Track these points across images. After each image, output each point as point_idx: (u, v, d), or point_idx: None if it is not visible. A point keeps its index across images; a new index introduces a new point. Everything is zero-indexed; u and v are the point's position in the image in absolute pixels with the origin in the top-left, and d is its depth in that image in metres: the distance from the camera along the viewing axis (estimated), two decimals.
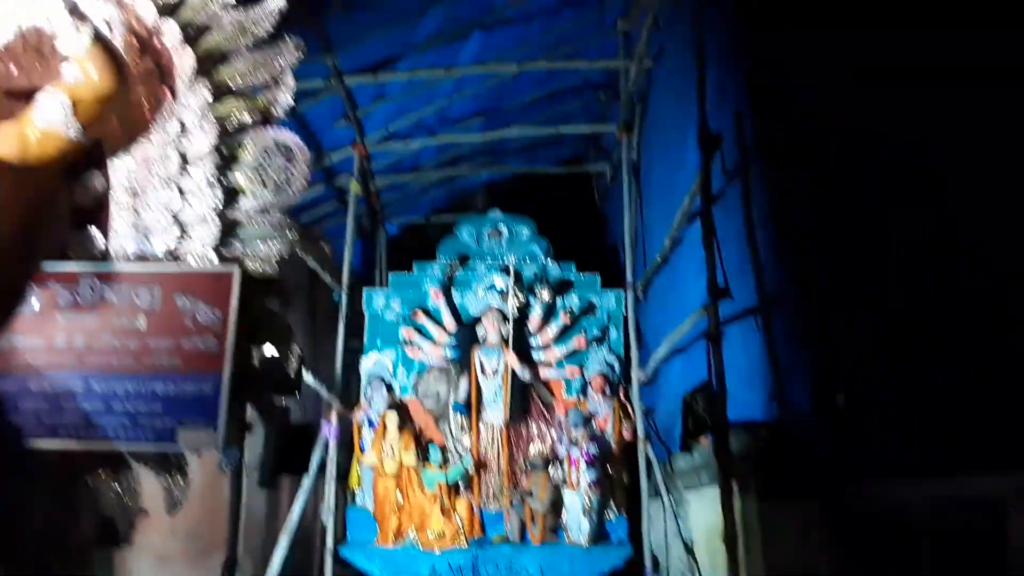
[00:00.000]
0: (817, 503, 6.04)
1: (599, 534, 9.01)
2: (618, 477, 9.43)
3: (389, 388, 9.84)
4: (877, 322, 6.59)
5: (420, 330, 10.02)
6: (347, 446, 9.72)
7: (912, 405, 6.38)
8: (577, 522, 8.86)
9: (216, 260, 4.71)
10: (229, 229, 4.81)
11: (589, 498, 8.84)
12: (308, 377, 8.50)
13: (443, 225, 13.31)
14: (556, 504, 9.06)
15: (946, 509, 6.29)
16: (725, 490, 5.83)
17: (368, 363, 10.00)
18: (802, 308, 6.58)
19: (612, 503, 9.34)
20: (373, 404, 9.66)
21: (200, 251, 4.71)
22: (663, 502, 8.79)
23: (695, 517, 8.22)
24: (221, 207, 4.75)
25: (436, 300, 9.99)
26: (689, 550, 8.23)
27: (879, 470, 6.20)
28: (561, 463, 9.22)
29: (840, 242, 6.75)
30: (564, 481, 9.07)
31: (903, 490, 6.25)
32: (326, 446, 9.24)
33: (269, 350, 5.00)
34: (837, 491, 6.12)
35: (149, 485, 7.25)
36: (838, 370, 6.42)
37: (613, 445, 9.38)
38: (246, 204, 4.80)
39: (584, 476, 8.89)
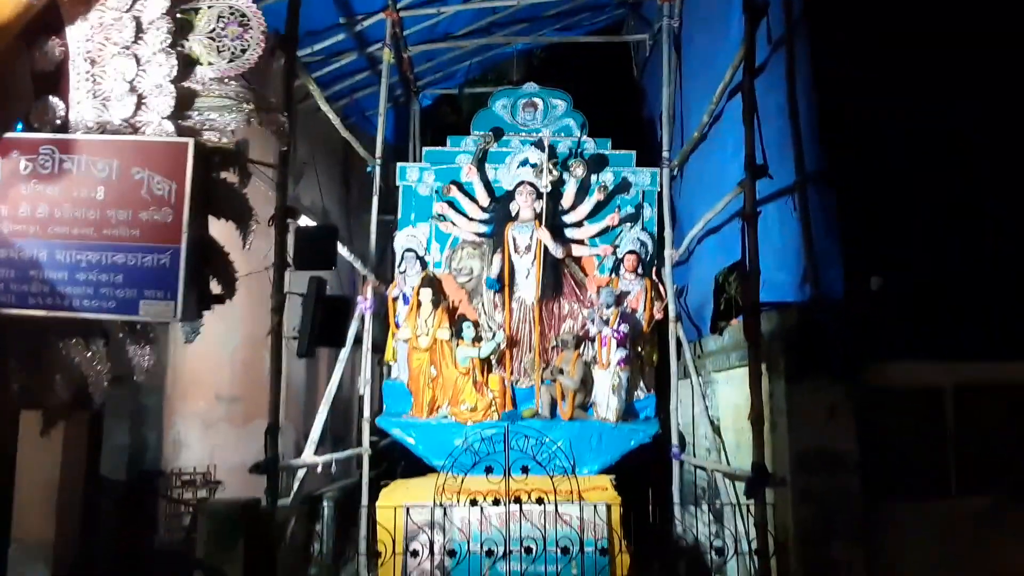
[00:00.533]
0: (844, 385, 6.10)
1: (628, 411, 9.19)
2: (648, 356, 9.61)
3: (423, 263, 9.95)
4: (913, 205, 6.55)
5: (454, 204, 10.04)
6: (382, 320, 9.91)
7: (942, 290, 6.40)
8: (606, 399, 9.03)
9: (173, 131, 4.72)
10: (186, 100, 4.76)
11: (619, 376, 9.01)
12: (343, 250, 8.55)
13: (477, 96, 13.20)
14: (586, 381, 9.24)
15: (971, 391, 6.41)
16: (754, 370, 5.90)
17: (402, 237, 10.10)
18: (840, 189, 6.44)
19: (641, 382, 9.55)
20: (407, 279, 9.81)
21: (157, 122, 4.74)
22: (691, 382, 8.91)
23: (722, 398, 8.32)
24: (177, 76, 4.72)
25: (469, 174, 9.96)
26: (715, 429, 8.35)
27: (906, 353, 6.32)
28: (592, 341, 9.37)
29: (883, 122, 6.64)
30: (595, 359, 9.22)
31: (929, 373, 6.37)
32: (362, 319, 9.40)
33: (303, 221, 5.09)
34: (864, 373, 6.21)
35: (191, 353, 7.66)
36: (873, 253, 6.39)
37: (644, 324, 9.50)
38: (202, 73, 4.78)
39: (615, 355, 9.05)
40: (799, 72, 6.96)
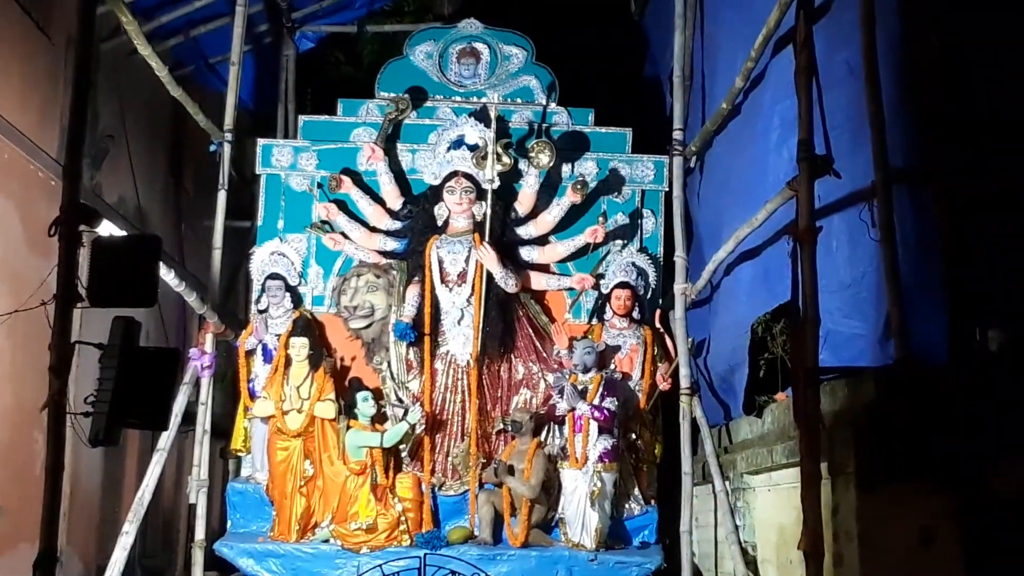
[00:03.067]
0: (948, 494, 6.04)
1: (615, 535, 9.14)
2: (647, 448, 9.58)
3: (295, 297, 9.86)
4: None
5: (346, 206, 9.97)
6: (229, 387, 9.83)
7: None
8: (581, 515, 8.98)
9: None
10: None
11: (601, 479, 8.95)
12: (168, 276, 8.41)
13: (387, 39, 13.39)
14: (550, 487, 9.15)
15: None
16: (809, 472, 5.79)
17: (263, 257, 9.99)
18: (943, 195, 6.51)
19: (636, 489, 9.50)
20: (270, 322, 9.74)
21: None
22: (714, 489, 8.81)
23: (761, 514, 8.23)
24: None
25: (372, 160, 9.91)
26: (750, 563, 8.24)
27: None
28: (560, 424, 9.31)
29: (1013, 92, 6.74)
30: (563, 452, 9.17)
31: None
32: (196, 385, 9.22)
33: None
34: (978, 476, 6.13)
35: None
36: (993, 293, 6.43)
37: (641, 399, 9.48)
38: None
39: (595, 446, 9.02)
40: (883, 16, 6.97)
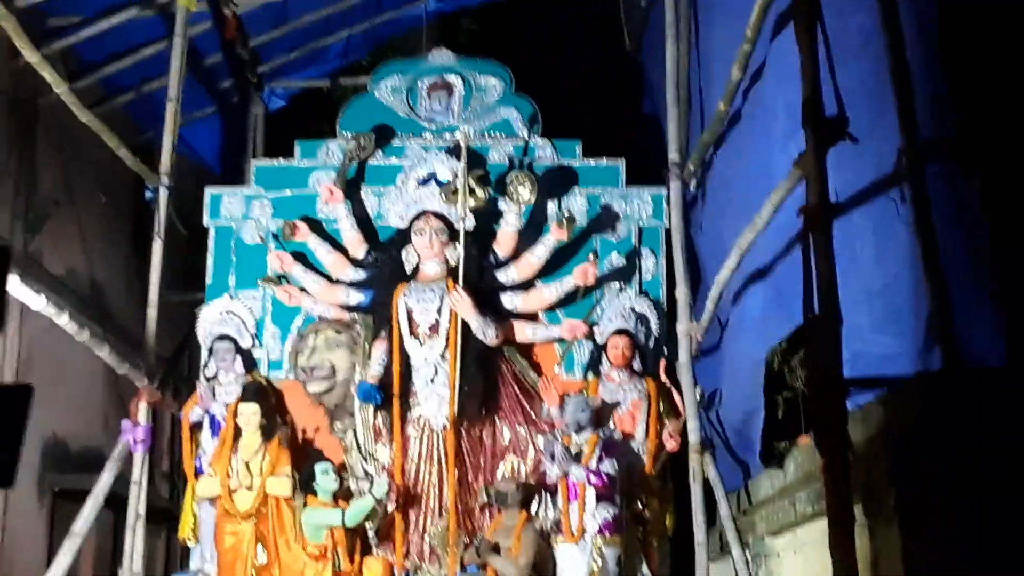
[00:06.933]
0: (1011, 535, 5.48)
1: None
2: (656, 520, 9.11)
3: (247, 360, 9.50)
4: None
5: (304, 257, 9.60)
6: (171, 465, 9.66)
7: None
8: None
9: None
10: None
11: (602, 555, 8.47)
12: (86, 337, 8.19)
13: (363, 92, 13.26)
14: (542, 567, 8.67)
15: None
16: (839, 518, 5.32)
17: (211, 315, 9.64)
18: (989, 169, 6.05)
19: (644, 566, 9.00)
20: (219, 389, 9.34)
21: None
22: (733, 560, 8.40)
23: None
24: None
25: (331, 201, 9.57)
26: None
27: None
28: (552, 494, 8.85)
29: None
30: (557, 526, 8.69)
31: None
32: (127, 461, 8.96)
33: None
34: None
35: None
36: None
37: (646, 461, 9.02)
38: None
39: (593, 517, 8.52)
40: None
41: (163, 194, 9.72)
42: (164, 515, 10.73)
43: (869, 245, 6.56)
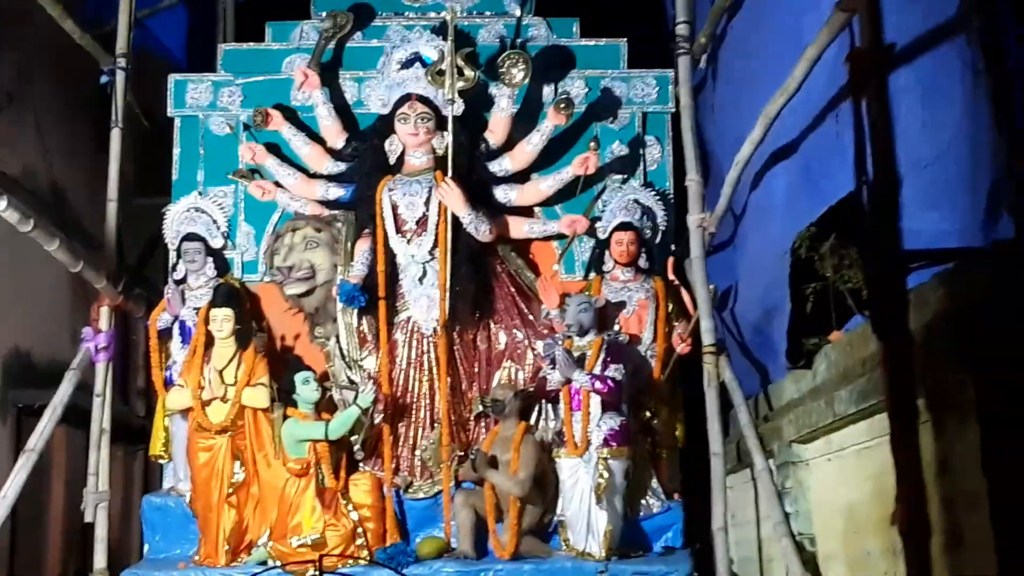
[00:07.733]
0: None
1: (630, 538, 8.50)
2: (666, 430, 8.96)
3: (220, 262, 9.25)
4: None
5: (278, 149, 9.30)
6: (147, 381, 9.50)
7: None
8: (585, 516, 8.32)
9: None
10: None
11: (608, 469, 8.29)
12: (29, 228, 7.68)
13: None
14: (544, 481, 8.51)
15: None
16: (899, 413, 4.96)
17: (178, 213, 9.36)
18: None
19: (654, 479, 8.87)
20: (189, 294, 9.12)
21: None
22: (753, 471, 8.19)
23: (821, 494, 7.91)
24: None
25: (306, 87, 9.24)
26: (808, 560, 7.71)
27: None
28: (554, 403, 8.68)
29: None
30: (559, 437, 8.50)
31: None
32: (88, 370, 8.68)
33: None
34: None
35: None
36: None
37: (654, 366, 8.82)
38: None
39: (598, 426, 8.34)
40: None
41: (120, 77, 9.37)
42: (141, 435, 10.55)
43: (917, 107, 6.15)
